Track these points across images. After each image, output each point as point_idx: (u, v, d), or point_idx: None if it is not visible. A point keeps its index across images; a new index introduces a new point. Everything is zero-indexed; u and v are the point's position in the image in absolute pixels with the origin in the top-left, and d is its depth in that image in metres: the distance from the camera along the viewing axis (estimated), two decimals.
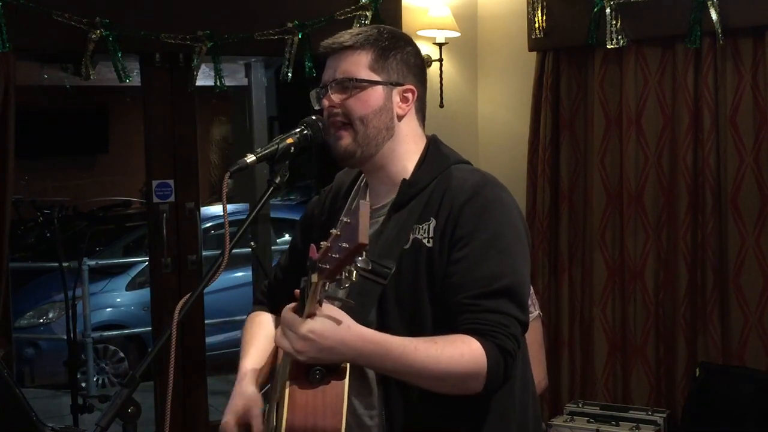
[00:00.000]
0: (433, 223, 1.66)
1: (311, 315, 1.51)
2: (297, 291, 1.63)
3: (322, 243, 1.44)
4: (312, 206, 1.98)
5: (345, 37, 1.75)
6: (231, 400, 1.79)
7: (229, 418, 1.76)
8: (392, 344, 1.54)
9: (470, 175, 1.72)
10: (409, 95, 1.78)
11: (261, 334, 1.94)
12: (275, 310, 1.98)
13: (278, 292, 1.99)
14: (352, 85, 1.72)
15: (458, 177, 1.72)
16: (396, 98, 1.76)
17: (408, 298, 1.67)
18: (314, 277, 1.43)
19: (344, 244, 1.37)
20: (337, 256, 1.38)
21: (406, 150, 1.77)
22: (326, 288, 1.52)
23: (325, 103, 1.74)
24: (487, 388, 1.59)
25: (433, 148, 1.79)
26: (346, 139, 1.72)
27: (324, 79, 1.77)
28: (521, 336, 1.64)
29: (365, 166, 1.78)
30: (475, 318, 1.59)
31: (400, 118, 1.76)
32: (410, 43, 1.81)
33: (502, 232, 1.66)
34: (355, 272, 1.41)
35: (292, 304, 1.58)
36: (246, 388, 1.80)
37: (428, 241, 1.66)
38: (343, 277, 1.41)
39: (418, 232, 1.67)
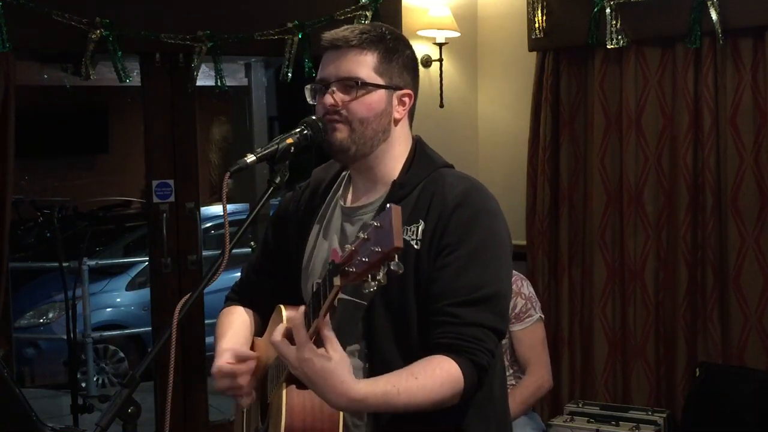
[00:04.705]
0: (421, 225, 1.66)
1: (319, 329, 1.49)
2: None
3: (346, 246, 1.41)
4: (286, 203, 1.95)
5: (349, 34, 1.72)
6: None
7: (221, 361, 1.79)
8: (375, 397, 1.52)
9: (459, 182, 1.73)
10: (407, 99, 1.78)
11: (237, 321, 1.94)
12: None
13: (250, 292, 1.99)
14: (357, 87, 1.70)
15: (448, 182, 1.72)
16: (395, 102, 1.76)
17: (395, 299, 1.67)
18: (337, 280, 1.40)
19: (376, 248, 1.33)
20: (367, 260, 1.35)
21: (398, 152, 1.78)
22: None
23: (328, 100, 1.71)
24: (463, 401, 1.64)
25: (420, 150, 1.80)
26: (341, 132, 1.71)
27: (323, 75, 1.75)
28: (496, 348, 1.68)
29: (355, 164, 1.78)
30: (453, 331, 1.61)
31: (396, 122, 1.77)
32: (409, 46, 1.81)
33: (488, 241, 1.68)
34: (383, 275, 1.36)
35: (303, 307, 1.54)
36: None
37: (416, 243, 1.66)
38: (369, 280, 1.37)
39: (407, 234, 1.66)
